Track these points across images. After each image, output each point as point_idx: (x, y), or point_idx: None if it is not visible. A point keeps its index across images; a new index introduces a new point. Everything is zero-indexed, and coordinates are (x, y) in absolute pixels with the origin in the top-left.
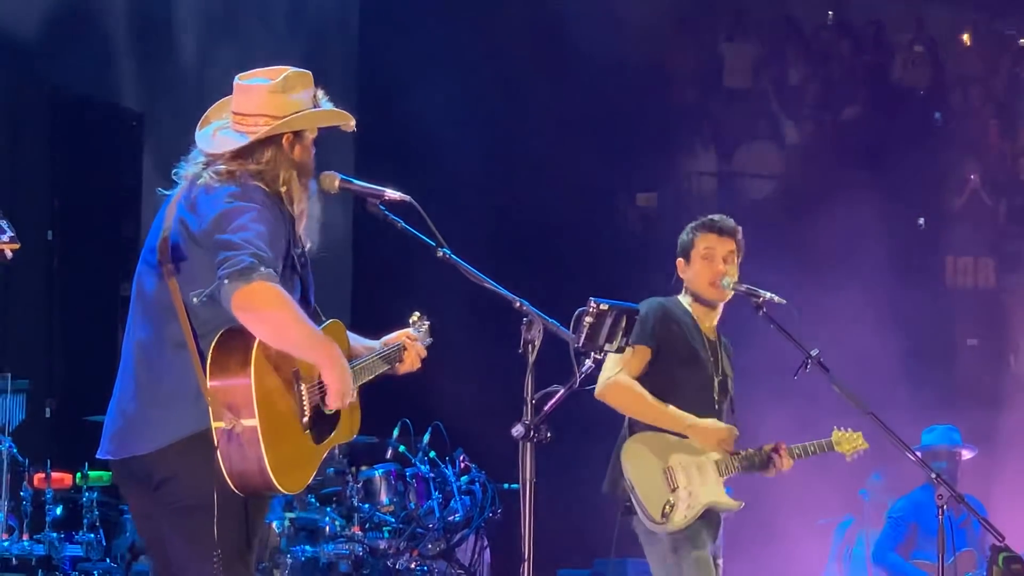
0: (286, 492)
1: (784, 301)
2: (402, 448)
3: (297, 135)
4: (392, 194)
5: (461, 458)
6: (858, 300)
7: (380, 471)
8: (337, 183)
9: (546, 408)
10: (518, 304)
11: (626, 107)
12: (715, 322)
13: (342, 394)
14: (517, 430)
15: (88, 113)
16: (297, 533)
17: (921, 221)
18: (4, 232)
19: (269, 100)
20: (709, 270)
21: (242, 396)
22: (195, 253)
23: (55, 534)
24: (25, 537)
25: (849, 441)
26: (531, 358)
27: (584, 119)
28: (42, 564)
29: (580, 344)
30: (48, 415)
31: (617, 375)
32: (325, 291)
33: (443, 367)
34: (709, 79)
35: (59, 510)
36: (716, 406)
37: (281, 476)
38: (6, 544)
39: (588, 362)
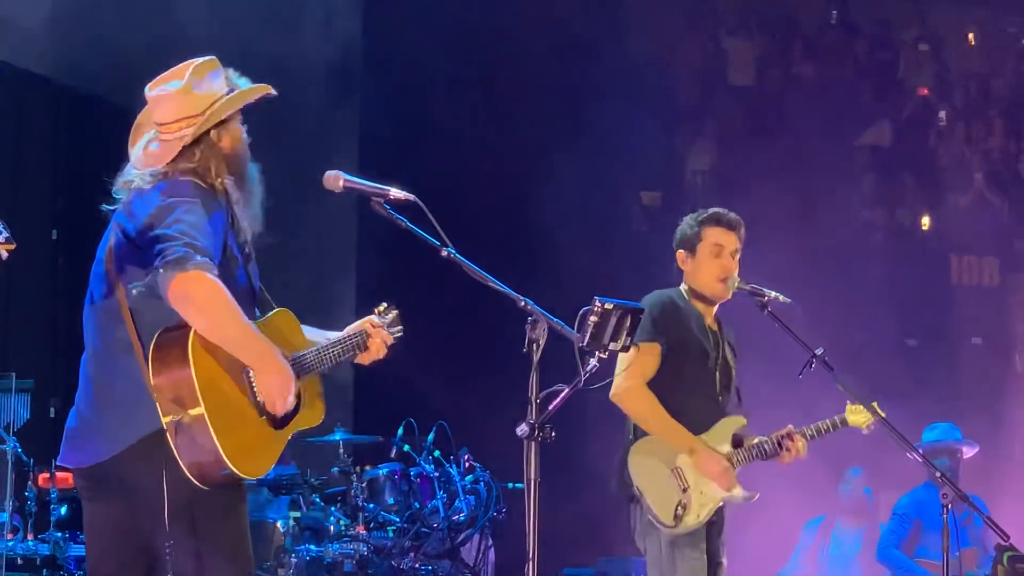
0: (247, 477)
1: (789, 300)
2: (406, 447)
3: (222, 125)
4: (397, 193)
5: (465, 457)
6: (862, 299)
7: (384, 470)
8: (342, 183)
9: (551, 407)
10: (523, 303)
11: (630, 104)
12: (713, 314)
13: (274, 398)
14: (522, 429)
15: (93, 112)
16: (302, 532)
17: (926, 220)
18: (0, 233)
19: (184, 102)
20: (719, 267)
21: (185, 386)
22: (135, 255)
23: (60, 534)
24: (30, 537)
25: (862, 412)
26: (536, 357)
27: (588, 116)
28: (47, 564)
29: (585, 343)
30: (52, 415)
31: (636, 382)
32: (329, 290)
33: (447, 366)
34: (714, 77)
35: (64, 510)
36: (719, 400)
37: (239, 461)
38: (11, 544)
39: (593, 361)
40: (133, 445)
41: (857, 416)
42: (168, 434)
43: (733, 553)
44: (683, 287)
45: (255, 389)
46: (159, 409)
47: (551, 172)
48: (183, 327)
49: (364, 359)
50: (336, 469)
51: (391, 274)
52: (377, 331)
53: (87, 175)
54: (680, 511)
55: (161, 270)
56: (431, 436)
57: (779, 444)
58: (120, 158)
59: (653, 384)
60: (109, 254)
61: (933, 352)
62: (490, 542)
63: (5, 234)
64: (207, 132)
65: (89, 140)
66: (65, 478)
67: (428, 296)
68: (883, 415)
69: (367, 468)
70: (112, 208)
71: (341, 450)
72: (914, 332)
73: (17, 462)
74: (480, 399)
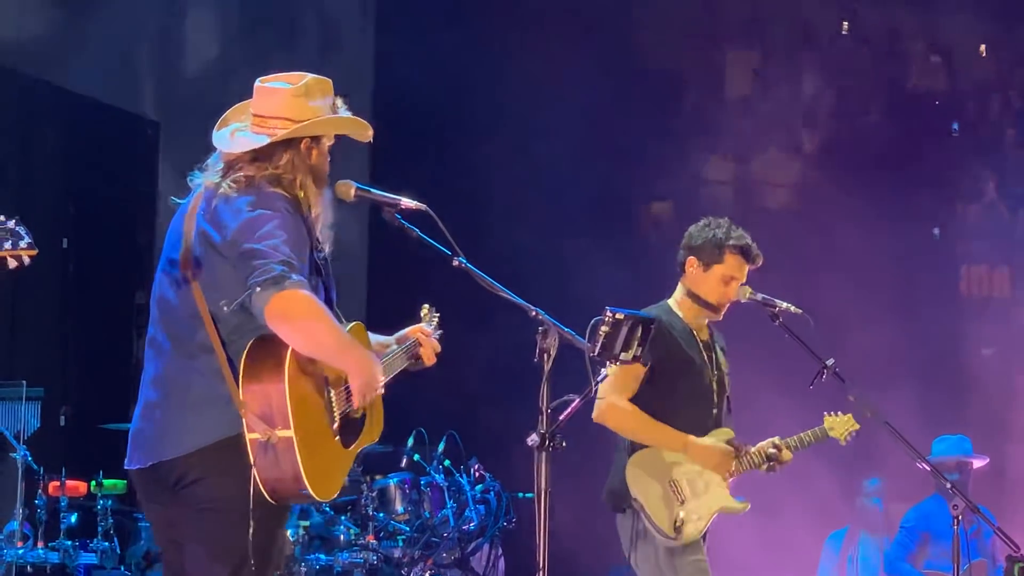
0: (321, 500)
1: (800, 311)
2: (417, 457)
3: (315, 140)
4: (408, 203)
5: (476, 467)
6: (872, 309)
7: (395, 480)
8: (353, 191)
9: (561, 417)
10: (534, 313)
11: (641, 115)
12: (705, 322)
13: (365, 394)
14: (532, 439)
15: (104, 120)
16: (312, 541)
17: (936, 231)
18: (22, 238)
19: (290, 103)
20: (724, 294)
21: (277, 406)
22: (218, 263)
23: (70, 542)
24: (40, 545)
25: (841, 425)
26: (547, 367)
27: (599, 126)
28: (57, 572)
29: (596, 353)
30: (63, 423)
31: (613, 398)
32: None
33: (458, 376)
34: (724, 87)
35: (74, 518)
36: (715, 409)
37: (316, 485)
38: (21, 552)
39: (604, 371)
40: (208, 446)
41: (835, 430)
42: (252, 451)
43: (749, 568)
44: (677, 296)
45: (333, 408)
46: (244, 423)
47: (563, 180)
48: (276, 342)
49: (415, 367)
50: (346, 478)
51: (401, 283)
52: (428, 340)
53: (98, 183)
54: (679, 523)
55: (258, 289)
56: (441, 445)
57: (767, 455)
58: (133, 167)
59: (646, 402)
60: (186, 256)
61: (943, 363)
62: (500, 552)
63: (28, 239)
64: (299, 141)
65: (100, 148)
66: (75, 487)
67: (438, 305)
68: (887, 421)
69: (377, 477)
70: (179, 201)
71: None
72: (924, 343)
73: (27, 470)
74: (491, 408)
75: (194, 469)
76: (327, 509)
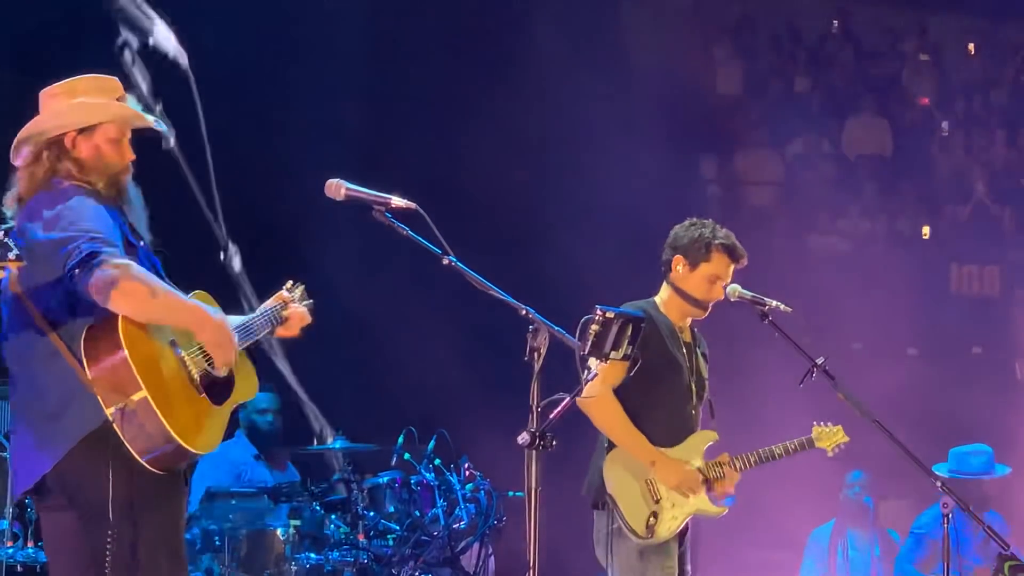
0: (198, 452)
1: (789, 309)
2: (407, 456)
3: (84, 133)
4: (398, 202)
5: (466, 466)
6: (862, 309)
7: (385, 479)
8: (343, 191)
9: (552, 416)
10: (524, 311)
11: (630, 114)
12: (689, 322)
13: (222, 347)
14: (523, 438)
15: None
16: (301, 540)
17: (926, 230)
18: (10, 249)
19: (45, 106)
20: (710, 293)
21: (123, 372)
22: (34, 267)
23: None
24: (29, 544)
25: (829, 436)
26: (537, 365)
27: (587, 127)
28: (46, 571)
29: (586, 352)
30: None
31: (602, 390)
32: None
33: (448, 374)
34: (712, 87)
35: None
36: (692, 412)
37: (189, 438)
38: (10, 551)
39: (594, 368)
40: (75, 447)
41: (823, 440)
42: (115, 424)
43: (741, 562)
44: (663, 295)
45: (188, 366)
46: (101, 402)
47: (555, 182)
48: (108, 318)
49: (283, 333)
50: (336, 477)
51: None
52: (293, 306)
53: None
54: (652, 521)
55: (76, 271)
56: (431, 444)
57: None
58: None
59: (625, 398)
60: (13, 278)
61: (933, 361)
62: (490, 550)
63: (15, 251)
64: (62, 137)
65: None
66: None
67: (428, 305)
68: (877, 420)
69: (367, 476)
70: (6, 229)
71: (341, 458)
72: (914, 341)
73: None
74: (481, 407)
75: (71, 474)
76: (317, 508)
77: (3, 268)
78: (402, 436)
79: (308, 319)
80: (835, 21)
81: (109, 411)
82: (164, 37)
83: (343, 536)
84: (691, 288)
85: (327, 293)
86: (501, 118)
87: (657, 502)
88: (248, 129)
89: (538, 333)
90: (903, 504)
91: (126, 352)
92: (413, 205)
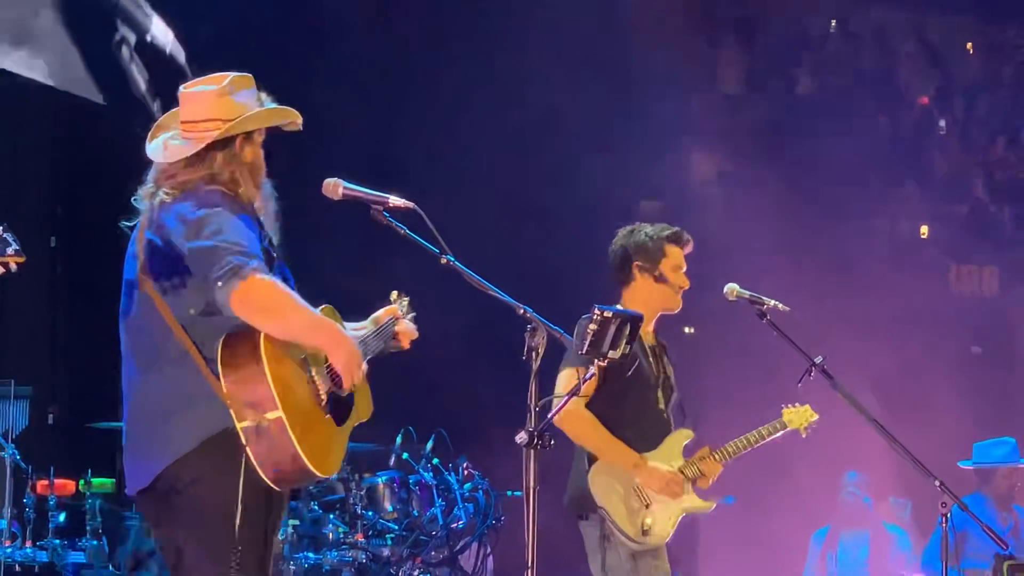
0: (324, 476)
1: (788, 308)
2: (405, 455)
3: (247, 136)
4: (396, 201)
5: (464, 465)
6: (861, 307)
7: (383, 478)
8: (341, 190)
9: (550, 415)
10: (522, 311)
11: (630, 113)
12: (651, 328)
13: (352, 369)
14: (521, 437)
15: (91, 120)
16: (300, 540)
17: (925, 229)
18: (9, 245)
19: (217, 104)
20: (679, 282)
21: (260, 390)
22: (172, 269)
23: (58, 541)
24: (28, 544)
25: (800, 416)
26: (535, 365)
27: (588, 125)
28: (45, 571)
29: (584, 351)
30: (51, 422)
31: (574, 405)
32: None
33: (446, 374)
34: (713, 86)
35: (62, 517)
36: (664, 415)
37: (315, 461)
38: (9, 551)
39: (592, 369)
40: (192, 451)
41: (794, 421)
42: (245, 438)
43: (737, 566)
44: (624, 303)
45: (317, 386)
46: (233, 416)
47: (551, 178)
48: (249, 331)
49: (393, 348)
50: (335, 476)
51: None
52: (403, 321)
53: (85, 183)
54: (647, 524)
55: (220, 284)
56: (430, 444)
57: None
58: (117, 166)
59: (597, 406)
60: (143, 272)
61: (932, 361)
62: (488, 550)
63: (15, 246)
64: (232, 140)
65: (87, 148)
66: (63, 485)
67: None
68: (875, 419)
69: (366, 476)
70: (131, 224)
71: None
72: (913, 341)
73: (16, 469)
74: (479, 407)
75: (189, 471)
76: (316, 508)
77: (3, 264)
78: (400, 436)
79: (416, 334)
80: (833, 20)
81: (241, 426)
82: (162, 33)
83: (341, 536)
84: (661, 285)
85: (324, 291)
86: (497, 115)
87: (648, 506)
88: None
89: (536, 332)
90: (904, 503)
91: (266, 369)
92: (411, 204)
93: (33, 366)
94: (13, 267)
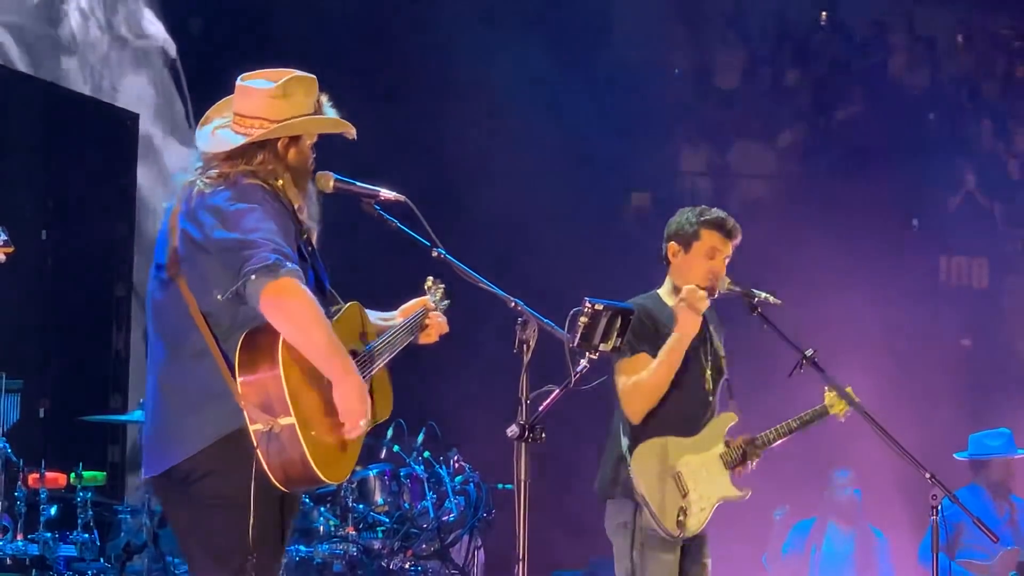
0: (332, 483)
1: (779, 302)
2: (396, 448)
3: (293, 139)
4: (387, 194)
5: (455, 458)
6: (851, 301)
7: (374, 471)
8: (332, 183)
9: (541, 408)
10: (513, 304)
11: (620, 106)
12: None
13: (352, 411)
14: (512, 430)
15: (83, 112)
16: (291, 533)
17: (915, 221)
18: None
19: (267, 104)
20: (709, 269)
21: (275, 395)
22: (203, 260)
23: (49, 534)
24: (19, 537)
25: (840, 401)
26: (526, 358)
27: (578, 118)
28: (36, 564)
29: (575, 344)
30: (42, 415)
31: (628, 379)
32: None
33: (438, 367)
34: (703, 78)
35: (53, 510)
36: (709, 397)
37: (325, 468)
38: (0, 544)
39: (583, 362)
40: (210, 445)
41: (836, 406)
42: (256, 441)
43: (720, 555)
44: (665, 286)
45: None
46: (246, 417)
47: (541, 172)
48: (269, 332)
49: (422, 340)
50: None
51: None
52: (433, 314)
53: (77, 175)
54: (682, 517)
55: (253, 277)
56: (421, 437)
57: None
58: (112, 159)
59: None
60: (173, 257)
61: (922, 354)
62: (479, 543)
63: (4, 237)
64: (276, 140)
65: (79, 140)
66: (55, 478)
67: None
68: (867, 412)
69: (356, 469)
70: (168, 205)
71: None
72: (903, 333)
73: (7, 462)
74: (470, 400)
75: (203, 465)
76: (306, 500)
77: None
78: (391, 429)
79: (446, 328)
80: (823, 12)
81: (253, 428)
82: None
83: (332, 529)
84: (691, 269)
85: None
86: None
87: (685, 496)
88: None
89: (527, 325)
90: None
91: (281, 373)
92: (402, 198)
93: (24, 359)
94: (2, 258)
